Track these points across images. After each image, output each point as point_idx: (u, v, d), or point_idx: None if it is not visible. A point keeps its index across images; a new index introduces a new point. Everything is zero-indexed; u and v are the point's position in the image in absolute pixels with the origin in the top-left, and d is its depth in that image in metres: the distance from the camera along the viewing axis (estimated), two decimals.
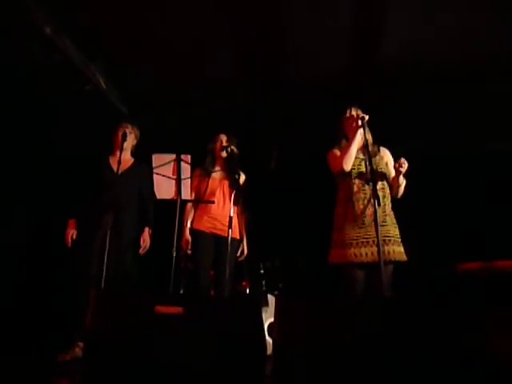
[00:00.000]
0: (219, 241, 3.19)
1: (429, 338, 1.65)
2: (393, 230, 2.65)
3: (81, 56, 3.67)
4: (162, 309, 1.83)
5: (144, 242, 3.34)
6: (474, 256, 3.53)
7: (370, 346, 1.65)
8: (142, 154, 3.31)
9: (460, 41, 3.49)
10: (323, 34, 3.50)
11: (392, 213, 2.73)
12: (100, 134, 3.63)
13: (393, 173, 2.78)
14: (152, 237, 3.41)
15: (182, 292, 4.02)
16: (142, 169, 3.36)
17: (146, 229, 3.37)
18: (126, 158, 3.36)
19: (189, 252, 3.29)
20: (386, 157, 2.88)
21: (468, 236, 4.47)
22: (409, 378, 1.60)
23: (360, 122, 2.68)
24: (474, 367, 1.57)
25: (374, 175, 2.48)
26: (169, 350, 1.80)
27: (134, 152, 3.48)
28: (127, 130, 3.32)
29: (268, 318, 3.36)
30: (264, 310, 3.53)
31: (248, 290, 4.05)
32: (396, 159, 2.74)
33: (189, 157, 2.96)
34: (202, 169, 3.37)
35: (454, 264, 3.53)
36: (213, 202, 3.23)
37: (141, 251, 3.32)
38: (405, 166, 2.62)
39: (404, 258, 2.62)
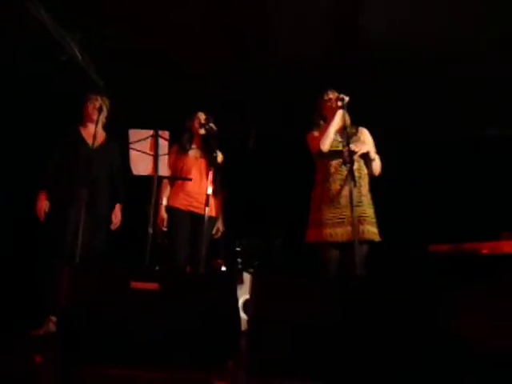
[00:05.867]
0: (195, 218, 3.19)
1: (398, 316, 1.70)
2: (368, 210, 2.70)
3: (56, 25, 3.54)
4: (137, 284, 1.83)
5: (116, 217, 3.31)
6: (446, 238, 3.63)
7: (342, 323, 1.69)
8: (117, 129, 3.24)
9: (443, 24, 3.51)
10: (304, 14, 3.49)
11: (369, 194, 2.78)
12: (75, 105, 3.53)
13: (369, 149, 2.81)
14: (126, 213, 3.38)
15: (157, 268, 4.02)
16: (114, 144, 3.33)
17: (118, 205, 3.33)
18: (99, 131, 3.28)
19: (164, 229, 3.28)
20: (363, 136, 2.90)
21: (441, 218, 4.60)
22: (378, 354, 1.65)
23: (340, 103, 2.70)
24: (442, 346, 1.63)
25: (351, 156, 2.51)
26: (144, 325, 1.80)
27: (107, 126, 3.41)
28: (102, 102, 3.23)
29: (243, 295, 3.41)
30: (239, 287, 3.58)
31: (224, 268, 4.09)
32: (375, 139, 2.79)
33: (167, 133, 2.91)
34: (179, 146, 3.34)
35: (426, 245, 3.62)
36: (190, 180, 3.21)
37: (112, 227, 3.29)
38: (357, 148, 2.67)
39: (378, 238, 2.68)
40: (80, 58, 3.94)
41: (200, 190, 3.21)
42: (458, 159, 5.07)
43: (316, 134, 2.85)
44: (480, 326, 1.65)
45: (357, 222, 2.43)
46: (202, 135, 3.32)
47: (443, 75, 4.21)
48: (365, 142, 2.83)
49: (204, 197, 2.97)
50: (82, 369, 1.69)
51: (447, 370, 1.60)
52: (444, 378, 1.59)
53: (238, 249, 4.17)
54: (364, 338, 1.67)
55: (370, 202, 2.76)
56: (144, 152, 2.88)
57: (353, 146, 2.64)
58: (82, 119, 3.31)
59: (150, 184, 2.91)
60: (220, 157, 3.32)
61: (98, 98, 3.27)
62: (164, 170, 2.94)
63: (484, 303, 1.73)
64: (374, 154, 2.79)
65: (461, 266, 3.33)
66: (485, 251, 3.26)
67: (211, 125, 3.24)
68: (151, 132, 2.90)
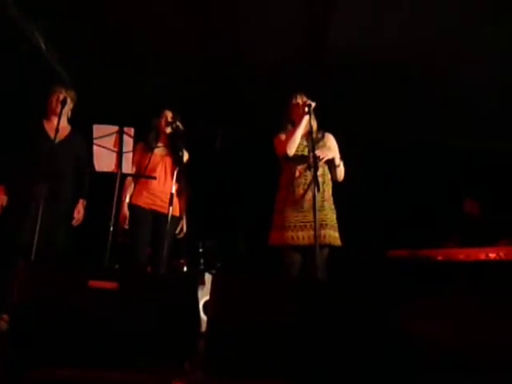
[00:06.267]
0: (158, 217, 3.16)
1: (356, 319, 1.74)
2: (330, 215, 2.75)
3: (19, 13, 3.42)
4: (95, 283, 1.79)
5: (78, 213, 3.22)
6: (405, 244, 3.75)
7: (300, 324, 1.72)
8: (82, 123, 3.17)
9: (410, 31, 3.61)
10: (275, 18, 3.52)
11: (331, 199, 2.83)
12: (37, 98, 3.42)
13: (334, 156, 2.86)
14: (87, 209, 3.30)
15: (117, 267, 3.94)
16: (79, 138, 3.23)
17: (81, 200, 3.25)
18: (63, 125, 3.19)
19: (126, 227, 3.22)
20: (329, 142, 2.95)
21: (400, 225, 4.73)
22: (334, 354, 1.69)
23: (306, 109, 2.73)
24: (397, 348, 1.68)
25: (315, 162, 2.55)
26: (100, 325, 1.77)
27: (71, 119, 3.32)
28: (66, 95, 3.15)
29: (204, 297, 3.39)
30: (200, 288, 3.56)
31: (185, 268, 4.05)
32: (340, 144, 2.85)
33: (132, 130, 2.87)
34: (144, 144, 3.29)
35: (385, 251, 3.72)
36: (154, 178, 3.17)
37: (74, 223, 3.20)
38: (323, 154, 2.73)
39: (338, 242, 2.73)
40: (44, 48, 3.82)
41: (164, 189, 3.18)
42: (420, 165, 5.23)
43: (283, 137, 2.87)
44: (433, 329, 1.71)
45: (318, 226, 2.47)
46: (169, 134, 3.30)
47: (409, 82, 4.33)
48: (330, 148, 2.88)
49: (168, 196, 2.95)
50: (35, 370, 1.64)
51: (399, 371, 1.64)
52: (396, 379, 1.64)
53: (200, 250, 4.15)
54: (322, 338, 1.70)
55: (332, 206, 2.81)
56: (108, 148, 2.83)
57: (319, 152, 2.68)
58: (45, 113, 3.22)
59: (113, 181, 2.86)
60: (185, 156, 3.31)
61: (62, 90, 3.19)
62: (128, 168, 2.90)
63: (437, 307, 1.79)
64: (338, 161, 2.84)
65: (417, 271, 3.45)
66: (440, 258, 3.39)
67: (178, 123, 3.22)
68: (116, 128, 2.86)
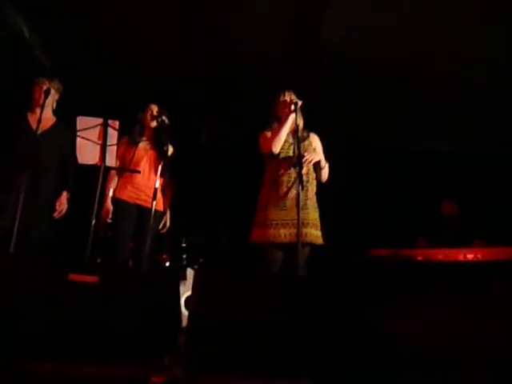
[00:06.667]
0: (142, 212, 3.14)
1: (337, 317, 1.76)
2: (313, 213, 2.77)
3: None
4: (75, 277, 1.78)
5: (60, 205, 3.16)
6: (387, 243, 3.80)
7: (281, 321, 1.73)
8: (66, 115, 3.13)
9: (400, 33, 3.65)
10: (264, 15, 3.52)
11: (315, 197, 2.85)
12: (20, 88, 3.36)
13: (320, 158, 2.88)
14: (70, 202, 3.25)
15: (98, 261, 3.91)
16: (64, 129, 3.18)
17: (64, 192, 3.20)
18: (47, 116, 3.14)
19: (109, 221, 3.20)
20: (315, 142, 2.97)
21: (383, 225, 4.80)
22: (315, 354, 1.71)
23: (293, 107, 2.74)
24: (379, 348, 1.71)
25: (300, 160, 2.57)
26: (80, 319, 1.76)
27: (56, 111, 3.27)
28: (49, 86, 3.10)
29: (185, 292, 3.39)
30: (182, 283, 3.55)
31: (168, 263, 4.04)
32: (324, 145, 2.86)
33: (117, 123, 2.85)
34: (129, 137, 3.26)
35: (366, 250, 3.76)
36: (138, 172, 3.15)
37: (55, 215, 3.13)
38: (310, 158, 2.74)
39: (320, 241, 2.75)
40: (28, 36, 3.75)
41: (148, 184, 3.16)
42: (402, 168, 5.31)
43: (268, 134, 2.88)
44: (415, 329, 1.74)
45: (301, 224, 2.48)
46: (154, 128, 3.28)
47: (394, 85, 4.39)
48: (316, 150, 2.90)
49: (152, 190, 2.93)
50: (13, 365, 1.62)
51: (381, 370, 1.67)
52: (378, 378, 1.67)
53: (183, 245, 4.14)
54: (302, 334, 1.72)
55: (316, 205, 2.82)
56: (91, 140, 2.80)
57: (306, 155, 2.70)
58: (29, 104, 3.17)
59: (97, 174, 2.84)
60: (170, 150, 3.29)
61: (46, 81, 3.14)
62: (112, 161, 2.87)
63: (419, 307, 1.82)
64: (324, 163, 2.86)
65: (399, 270, 3.50)
66: (420, 258, 3.45)
67: (164, 118, 3.20)
68: (100, 120, 2.83)
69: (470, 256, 3.34)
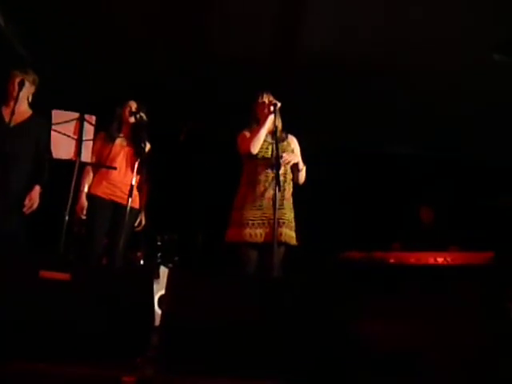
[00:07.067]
0: (117, 209, 3.11)
1: (309, 318, 1.78)
2: (288, 214, 2.79)
3: None
4: (47, 274, 1.75)
5: (31, 200, 3.06)
6: (360, 246, 3.85)
7: (254, 321, 1.74)
8: (42, 108, 3.06)
9: (378, 37, 3.71)
10: (245, 15, 3.53)
11: (291, 198, 2.87)
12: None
13: (298, 160, 2.90)
14: (43, 197, 3.18)
15: (71, 258, 3.85)
16: (40, 123, 3.10)
17: (36, 187, 3.11)
18: (22, 109, 3.07)
19: (83, 217, 3.15)
20: (293, 144, 2.99)
21: (357, 227, 4.87)
22: (287, 351, 1.72)
23: (272, 109, 2.76)
24: (348, 348, 1.73)
25: (278, 160, 2.58)
26: (51, 317, 1.73)
27: (33, 103, 3.20)
28: (24, 77, 3.03)
29: (159, 290, 3.37)
30: (156, 282, 3.53)
31: (142, 261, 4.01)
32: (302, 147, 2.89)
33: (93, 118, 2.81)
34: (106, 133, 3.23)
35: (339, 252, 3.80)
36: (115, 168, 3.12)
37: (25, 210, 3.03)
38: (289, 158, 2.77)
39: (294, 242, 2.77)
40: (3, 24, 3.66)
41: (125, 180, 3.14)
42: (378, 171, 5.40)
43: (247, 135, 2.89)
44: (384, 330, 1.78)
45: (277, 223, 2.50)
46: (132, 124, 3.25)
47: (372, 89, 4.46)
48: (294, 152, 2.93)
49: (128, 187, 2.91)
50: None
51: (350, 369, 1.70)
52: (342, 375, 1.69)
53: (158, 243, 4.11)
54: (276, 335, 1.73)
55: (291, 206, 2.85)
56: (67, 135, 2.75)
57: (285, 156, 2.72)
58: (4, 97, 3.09)
59: (71, 169, 2.79)
60: (147, 147, 3.27)
61: (20, 73, 3.06)
62: (87, 156, 2.83)
63: (387, 309, 1.86)
64: (301, 165, 2.88)
65: (370, 273, 3.55)
66: (392, 260, 3.51)
67: (142, 114, 3.18)
68: (76, 115, 2.79)
69: (440, 260, 3.42)
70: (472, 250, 3.53)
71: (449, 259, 3.41)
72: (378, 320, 1.79)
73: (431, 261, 3.44)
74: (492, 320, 1.84)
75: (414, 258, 3.49)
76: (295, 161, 2.84)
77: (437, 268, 3.40)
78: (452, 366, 1.70)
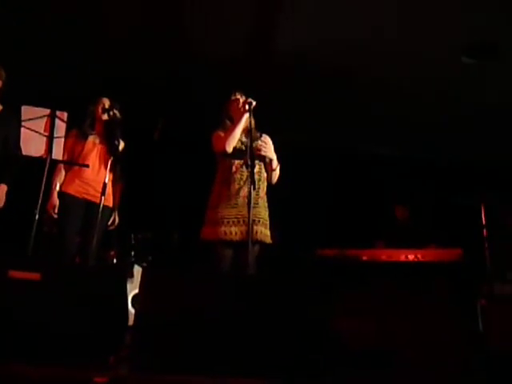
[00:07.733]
0: (90, 207, 3.06)
1: (282, 314, 1.80)
2: (263, 212, 2.81)
3: None
4: (16, 273, 1.71)
5: None
6: (334, 243, 3.91)
7: (228, 319, 1.75)
8: (11, 103, 2.98)
9: (353, 38, 3.76)
10: (221, 14, 3.53)
11: (265, 196, 2.88)
12: None
13: (272, 156, 2.91)
14: (12, 196, 3.09)
15: (41, 257, 3.76)
16: (10, 119, 3.02)
17: (2, 185, 3.02)
18: None
19: (54, 216, 3.08)
20: (268, 144, 3.00)
21: (331, 225, 4.94)
22: (261, 350, 1.74)
23: (247, 107, 2.77)
24: (321, 344, 1.76)
25: (252, 159, 2.59)
26: (20, 317, 1.69)
27: (1, 99, 3.10)
28: None
29: (133, 290, 3.34)
30: (129, 281, 3.49)
31: (115, 260, 3.95)
32: (276, 147, 2.90)
33: (65, 114, 2.76)
34: (78, 130, 3.17)
35: (314, 249, 3.85)
36: (87, 166, 3.06)
37: None
38: (264, 148, 2.79)
39: (269, 240, 2.79)
40: None
41: (98, 178, 3.09)
42: (354, 170, 5.48)
43: (221, 133, 2.88)
44: (356, 326, 1.81)
45: (252, 222, 2.51)
46: (105, 121, 3.20)
47: (346, 89, 4.52)
48: (270, 150, 2.94)
49: (101, 185, 2.87)
50: None
51: (325, 365, 1.72)
52: (317, 370, 1.72)
53: (132, 242, 4.06)
54: (250, 332, 1.74)
55: (266, 204, 2.86)
56: (37, 132, 2.69)
57: (261, 144, 2.73)
58: None
59: (42, 167, 2.73)
60: (121, 145, 3.22)
61: None
62: (59, 154, 2.78)
63: (359, 305, 1.90)
64: (275, 164, 2.89)
65: (344, 269, 3.61)
66: (365, 258, 3.57)
67: (115, 111, 3.13)
68: (47, 111, 2.73)
69: (410, 256, 3.50)
70: (444, 247, 3.63)
71: (419, 256, 3.50)
72: (352, 316, 1.82)
73: (402, 258, 3.52)
74: (459, 316, 1.90)
75: (386, 255, 3.56)
76: (270, 155, 2.85)
77: (408, 265, 3.48)
78: (425, 360, 1.75)
